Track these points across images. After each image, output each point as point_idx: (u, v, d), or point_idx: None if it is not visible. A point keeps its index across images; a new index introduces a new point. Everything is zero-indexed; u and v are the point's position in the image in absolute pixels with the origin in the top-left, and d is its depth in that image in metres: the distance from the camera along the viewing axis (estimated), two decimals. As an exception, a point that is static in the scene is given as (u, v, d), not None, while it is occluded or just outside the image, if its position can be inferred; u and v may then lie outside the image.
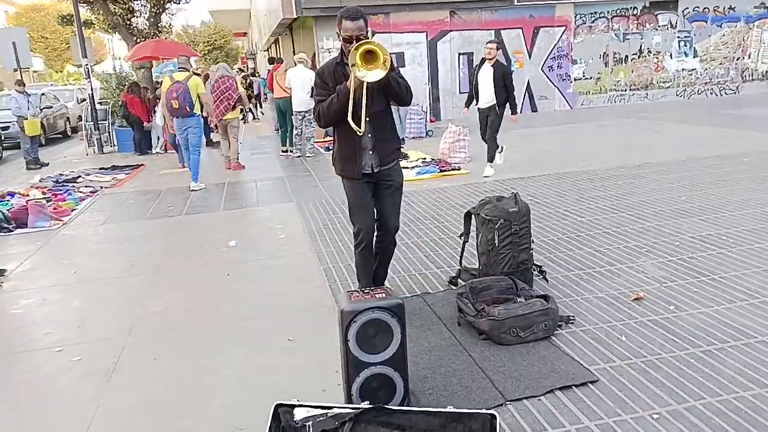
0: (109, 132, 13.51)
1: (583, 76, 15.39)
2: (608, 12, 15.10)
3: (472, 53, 14.60)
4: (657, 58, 15.56)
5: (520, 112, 15.12)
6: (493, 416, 2.28)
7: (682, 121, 11.65)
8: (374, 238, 3.63)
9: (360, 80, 3.16)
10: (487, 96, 7.49)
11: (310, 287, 4.30)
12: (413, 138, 11.74)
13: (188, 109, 7.97)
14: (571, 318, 3.47)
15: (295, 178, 8.55)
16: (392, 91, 3.36)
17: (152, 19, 16.61)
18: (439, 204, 6.48)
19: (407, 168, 8.37)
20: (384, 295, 2.62)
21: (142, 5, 16.58)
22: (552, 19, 14.88)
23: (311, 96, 4.93)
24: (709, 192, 6.11)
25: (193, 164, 8.29)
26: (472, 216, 4.04)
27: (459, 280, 4.07)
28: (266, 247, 5.40)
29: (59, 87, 24.21)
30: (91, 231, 6.48)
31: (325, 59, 11.66)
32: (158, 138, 12.64)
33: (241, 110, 10.93)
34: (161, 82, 10.71)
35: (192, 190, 8.20)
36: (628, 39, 15.35)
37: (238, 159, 9.73)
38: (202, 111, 8.62)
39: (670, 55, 15.58)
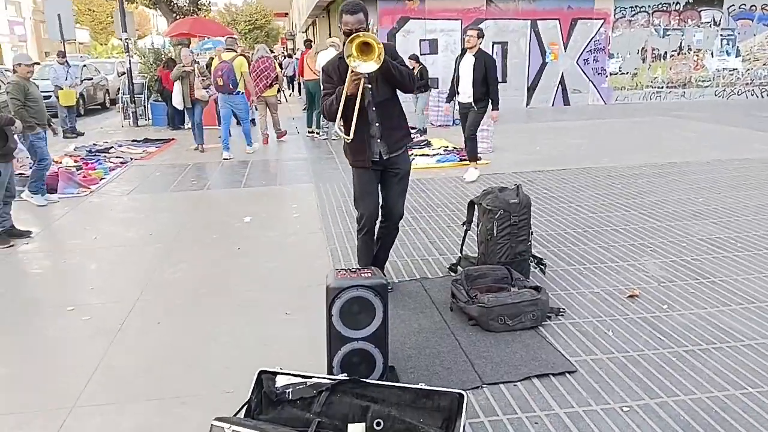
0: (144, 106, 13.87)
1: (620, 71, 15.12)
2: (649, 6, 14.77)
3: (507, 42, 14.50)
4: (697, 55, 15.17)
5: (552, 104, 15.17)
6: (461, 395, 2.38)
7: (717, 121, 11.39)
8: (377, 224, 3.74)
9: (356, 82, 3.28)
10: (467, 89, 6.75)
11: (315, 265, 4.43)
12: (439, 126, 11.76)
13: (231, 87, 8.71)
14: (561, 310, 3.53)
15: (318, 160, 8.70)
16: (394, 78, 3.44)
17: (192, -4, 16.90)
18: (453, 192, 6.54)
19: (428, 155, 8.45)
20: (370, 274, 2.73)
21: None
22: (591, 11, 14.63)
23: None
24: (727, 195, 6.03)
25: (246, 133, 9.59)
26: (475, 205, 4.10)
27: (459, 268, 4.15)
28: (279, 225, 5.56)
29: (100, 60, 24.80)
30: (116, 200, 6.75)
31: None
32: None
33: (278, 89, 11.39)
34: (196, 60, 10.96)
35: (248, 153, 9.46)
36: (669, 35, 14.99)
37: (279, 128, 10.72)
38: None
39: (711, 53, 15.17)
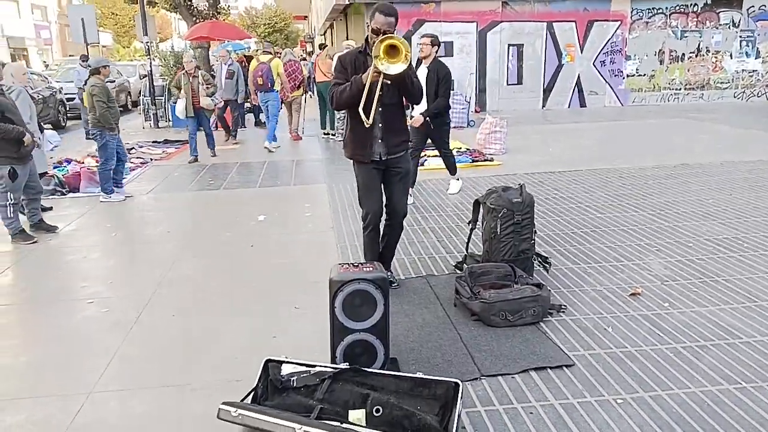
0: (165, 108, 14.15)
1: (637, 72, 15.03)
2: (667, 8, 14.68)
3: (522, 45, 14.51)
4: (716, 57, 15.03)
5: (568, 106, 15.14)
6: (457, 384, 2.47)
7: (733, 123, 11.30)
8: (382, 222, 3.85)
9: (377, 76, 3.36)
10: (422, 105, 5.56)
11: (325, 262, 4.54)
12: (455, 127, 11.79)
13: (270, 85, 10.00)
14: (562, 307, 3.60)
15: (332, 161, 8.84)
16: (406, 88, 3.56)
17: (211, 0, 17.14)
18: (464, 193, 6.62)
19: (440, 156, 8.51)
20: (371, 269, 2.84)
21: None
22: (607, 13, 14.58)
23: None
24: (738, 196, 6.03)
25: (271, 129, 10.12)
26: (480, 204, 4.19)
27: (464, 265, 4.24)
28: (292, 224, 5.70)
29: (122, 63, 25.27)
30: (135, 199, 6.95)
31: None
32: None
33: (305, 90, 12.04)
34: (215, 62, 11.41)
35: (267, 149, 9.90)
36: (686, 36, 14.88)
37: (297, 130, 11.23)
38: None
39: (730, 54, 15.02)
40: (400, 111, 3.74)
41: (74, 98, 14.37)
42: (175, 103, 12.92)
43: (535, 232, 4.06)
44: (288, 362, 2.74)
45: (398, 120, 3.73)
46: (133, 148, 10.31)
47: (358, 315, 2.78)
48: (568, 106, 14.93)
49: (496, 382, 2.86)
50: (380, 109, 3.58)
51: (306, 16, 43.03)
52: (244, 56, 15.54)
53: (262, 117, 13.49)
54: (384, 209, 3.83)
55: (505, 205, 3.90)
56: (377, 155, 3.67)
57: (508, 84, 14.72)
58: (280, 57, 10.96)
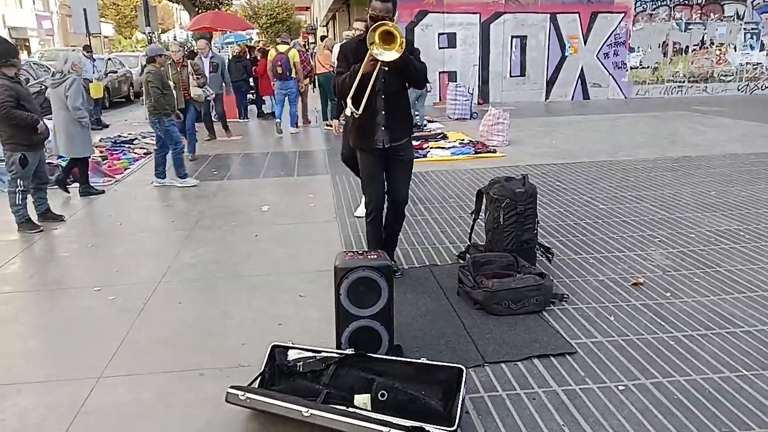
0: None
1: (640, 65, 15.01)
2: (671, 0, 14.63)
3: (525, 36, 14.49)
4: (720, 50, 15.00)
5: (572, 98, 15.11)
6: (461, 369, 2.51)
7: (738, 116, 11.29)
8: (384, 210, 3.89)
9: (373, 63, 3.40)
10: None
11: (328, 251, 4.58)
12: (457, 119, 11.83)
13: (288, 74, 10.45)
14: (565, 296, 3.64)
15: (334, 152, 8.82)
16: (408, 73, 3.59)
17: (214, -9, 17.15)
18: (466, 185, 6.64)
19: (443, 148, 8.54)
20: (376, 256, 2.87)
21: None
22: (611, 5, 14.54)
23: None
24: (740, 188, 6.05)
25: (292, 115, 10.90)
26: (483, 195, 4.22)
27: (467, 255, 4.27)
28: (295, 214, 5.74)
29: (125, 54, 25.23)
30: (139, 189, 6.99)
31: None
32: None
33: (311, 80, 12.54)
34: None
35: (288, 132, 10.70)
36: (690, 29, 14.84)
37: (307, 115, 11.78)
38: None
39: (735, 47, 14.98)
40: (403, 98, 3.77)
41: (77, 89, 14.39)
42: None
43: (538, 222, 4.09)
44: (294, 348, 2.78)
45: (402, 107, 3.77)
46: (136, 138, 10.34)
47: (362, 302, 2.82)
48: (572, 99, 14.92)
49: (500, 369, 2.90)
50: (383, 97, 3.62)
51: (308, 7, 42.93)
52: (247, 47, 15.53)
53: (265, 108, 13.57)
54: (385, 196, 3.87)
55: (508, 195, 3.93)
56: (381, 143, 3.70)
57: (511, 76, 14.71)
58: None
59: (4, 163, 5.56)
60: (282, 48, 10.66)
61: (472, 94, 12.42)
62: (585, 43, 14.69)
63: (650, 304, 3.56)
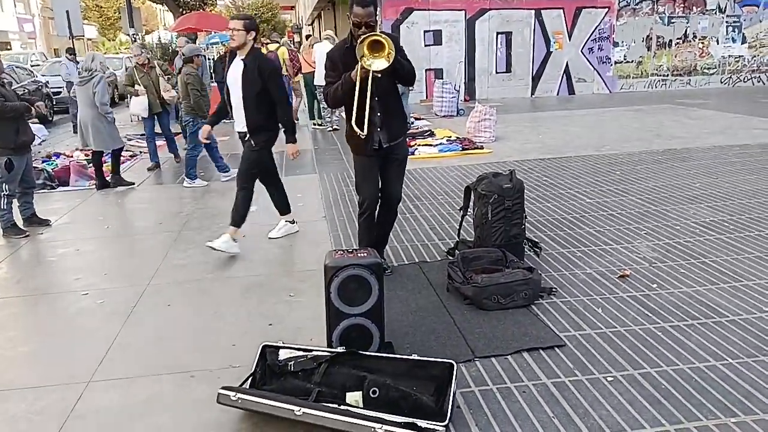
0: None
1: (624, 59, 15.12)
2: (653, -6, 14.75)
3: (511, 33, 14.54)
4: (702, 43, 15.14)
5: (557, 93, 15.21)
6: (452, 365, 2.53)
7: (721, 108, 11.42)
8: (377, 208, 3.89)
9: (365, 74, 3.39)
10: (239, 113, 4.51)
11: (318, 250, 4.58)
12: (444, 116, 11.86)
13: (279, 71, 9.76)
14: (553, 290, 3.67)
15: (322, 151, 8.85)
16: (398, 74, 3.59)
17: (198, -9, 17.05)
18: (454, 181, 6.67)
19: (431, 145, 8.57)
20: (366, 254, 2.88)
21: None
22: (595, 0, 14.62)
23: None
24: (724, 180, 6.12)
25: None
26: (471, 191, 4.24)
27: (456, 251, 4.29)
28: (284, 213, 5.72)
29: (109, 56, 25.02)
30: (126, 192, 6.94)
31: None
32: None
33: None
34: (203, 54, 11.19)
35: None
36: (673, 23, 14.97)
37: (296, 114, 11.41)
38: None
39: (717, 40, 15.13)
40: (396, 96, 3.77)
41: (60, 92, 14.27)
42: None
43: (526, 217, 4.12)
44: (285, 347, 2.79)
45: (396, 106, 3.77)
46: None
47: (353, 300, 2.83)
48: (557, 94, 15.00)
49: (490, 363, 2.92)
50: (377, 98, 3.58)
51: (293, 6, 42.78)
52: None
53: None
54: (378, 194, 3.87)
55: (496, 191, 3.95)
56: (377, 143, 3.70)
57: (497, 72, 14.77)
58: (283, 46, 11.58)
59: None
60: (272, 47, 11.13)
61: (458, 90, 12.46)
62: (569, 39, 14.77)
63: (637, 295, 3.60)
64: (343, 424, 2.27)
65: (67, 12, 13.80)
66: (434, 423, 2.32)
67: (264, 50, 10.82)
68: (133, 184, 7.16)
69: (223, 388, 2.53)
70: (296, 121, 11.71)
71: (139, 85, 7.79)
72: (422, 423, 2.31)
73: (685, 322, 3.25)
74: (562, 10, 14.56)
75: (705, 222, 4.86)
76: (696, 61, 15.27)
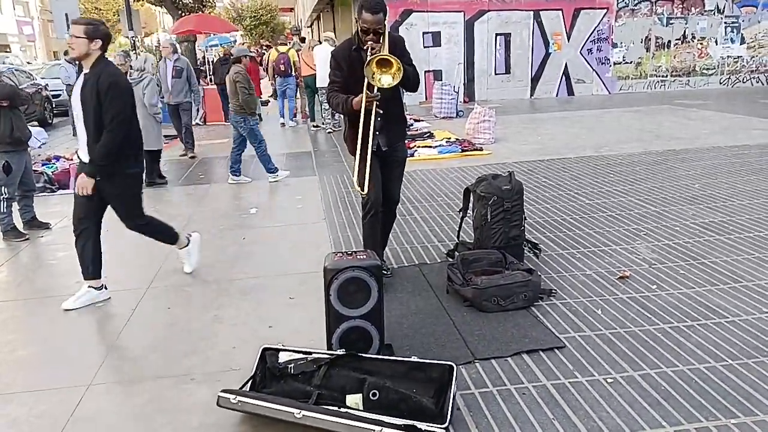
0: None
1: (623, 60, 15.13)
2: (652, -5, 14.78)
3: (509, 34, 14.56)
4: (701, 43, 15.16)
5: (556, 94, 15.24)
6: (452, 367, 2.53)
7: (720, 109, 11.43)
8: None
9: (371, 98, 3.38)
10: (81, 137, 3.75)
11: (317, 253, 4.57)
12: (443, 118, 11.87)
13: (288, 71, 11.49)
14: (553, 291, 3.67)
15: (321, 153, 8.86)
16: (404, 82, 3.47)
17: (197, -6, 17.07)
18: (454, 183, 6.67)
19: (430, 147, 8.57)
20: (365, 256, 2.88)
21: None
22: (593, 1, 14.65)
23: None
24: (723, 181, 6.13)
25: (290, 109, 11.99)
26: (470, 192, 4.24)
27: (455, 253, 4.29)
28: (284, 215, 5.74)
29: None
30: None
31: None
32: (198, 110, 13.11)
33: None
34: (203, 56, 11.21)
35: (287, 125, 11.76)
36: (672, 23, 14.99)
37: (306, 110, 12.39)
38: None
39: (716, 41, 15.15)
40: (398, 101, 3.75)
41: (60, 95, 14.29)
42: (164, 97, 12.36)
43: (525, 218, 4.12)
44: (285, 350, 2.79)
45: (397, 110, 3.75)
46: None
47: (353, 302, 2.82)
48: (556, 95, 15.02)
49: (490, 365, 2.92)
50: (377, 102, 3.51)
51: (292, 8, 42.81)
52: (231, 47, 15.46)
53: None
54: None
55: (495, 192, 3.96)
56: (375, 146, 3.65)
57: (496, 73, 14.78)
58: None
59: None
60: (282, 49, 11.73)
61: (457, 92, 12.47)
62: (568, 40, 14.79)
63: (637, 296, 3.60)
64: (343, 427, 2.27)
65: (66, 14, 13.77)
66: (434, 425, 2.32)
67: (274, 52, 11.71)
68: (166, 182, 7.46)
69: (223, 391, 2.54)
70: (306, 117, 12.29)
71: None
72: (422, 425, 2.31)
73: (685, 323, 3.25)
74: (560, 11, 14.58)
75: (704, 223, 4.87)
76: (695, 61, 15.28)
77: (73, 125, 11.78)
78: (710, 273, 3.89)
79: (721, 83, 15.41)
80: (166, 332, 3.47)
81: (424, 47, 14.18)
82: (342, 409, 2.46)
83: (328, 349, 2.85)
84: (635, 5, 14.80)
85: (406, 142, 4.09)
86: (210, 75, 15.43)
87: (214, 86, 13.00)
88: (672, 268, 4.01)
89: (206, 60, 16.68)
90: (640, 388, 2.68)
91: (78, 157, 3.88)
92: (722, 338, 3.08)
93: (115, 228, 5.57)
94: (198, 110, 13.07)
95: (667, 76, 15.35)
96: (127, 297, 3.97)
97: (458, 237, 4.45)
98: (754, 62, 15.39)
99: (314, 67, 10.71)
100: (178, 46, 10.61)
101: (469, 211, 4.30)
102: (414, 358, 2.63)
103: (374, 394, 2.52)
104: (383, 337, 2.90)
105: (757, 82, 15.48)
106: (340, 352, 2.72)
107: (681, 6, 14.88)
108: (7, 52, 33.33)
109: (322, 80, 10.40)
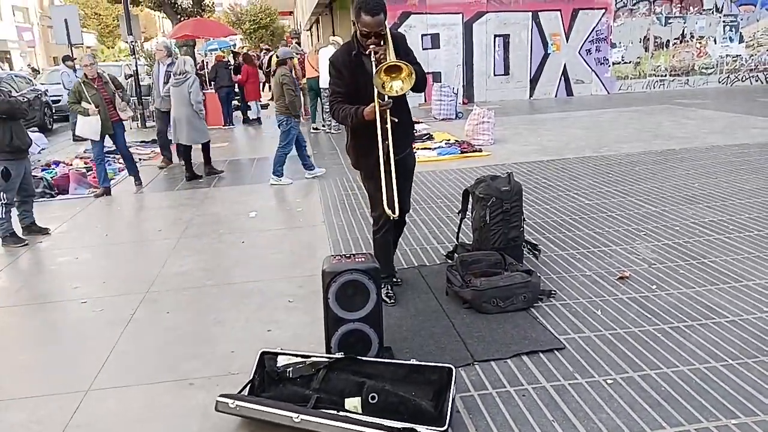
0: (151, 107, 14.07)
1: (622, 60, 15.12)
2: (650, -5, 14.77)
3: (508, 35, 14.55)
4: (700, 43, 15.15)
5: (555, 95, 15.24)
6: (450, 369, 2.52)
7: (719, 108, 11.42)
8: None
9: (384, 105, 3.17)
10: None
11: (317, 256, 4.57)
12: (443, 120, 11.87)
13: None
14: (552, 292, 3.66)
15: (321, 156, 8.85)
16: (415, 84, 3.25)
17: (196, -2, 17.09)
18: (453, 184, 6.66)
19: (429, 149, 8.57)
20: (363, 259, 2.87)
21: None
22: (591, 1, 14.64)
23: None
24: (723, 180, 6.12)
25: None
26: (469, 194, 4.23)
27: (455, 255, 4.28)
28: (283, 219, 5.74)
29: (108, 63, 25.07)
30: (125, 199, 6.95)
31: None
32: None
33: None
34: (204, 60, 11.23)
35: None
36: (671, 23, 14.98)
37: (307, 108, 12.26)
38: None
39: (714, 40, 15.14)
40: (404, 104, 3.50)
41: (60, 100, 14.29)
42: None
43: (524, 219, 4.12)
44: (283, 353, 2.78)
45: (405, 115, 3.51)
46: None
47: (351, 305, 2.82)
48: (555, 96, 15.01)
49: (489, 367, 2.91)
50: (384, 125, 3.26)
51: (291, 12, 42.86)
52: (232, 52, 15.50)
53: (251, 114, 13.60)
54: None
55: (494, 193, 3.95)
56: (386, 156, 3.29)
57: (495, 75, 14.77)
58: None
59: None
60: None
61: (456, 93, 12.46)
62: (567, 40, 14.78)
63: (637, 297, 3.59)
64: (342, 431, 2.26)
65: (66, 20, 13.82)
66: (433, 428, 2.31)
67: (275, 58, 11.64)
68: (223, 171, 7.95)
69: (222, 395, 2.53)
70: (307, 116, 12.30)
71: (89, 103, 6.76)
72: (421, 428, 2.30)
73: (685, 323, 3.24)
74: (559, 12, 14.57)
75: (704, 222, 4.86)
76: (694, 61, 15.27)
77: (72, 130, 11.76)
78: (710, 272, 3.88)
79: (720, 82, 15.40)
80: (165, 337, 3.46)
81: (423, 49, 14.17)
82: (341, 413, 2.46)
83: (326, 353, 2.84)
84: (634, 5, 14.79)
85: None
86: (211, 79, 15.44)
87: (214, 91, 13.01)
88: (672, 268, 4.00)
89: (205, 64, 16.71)
90: (640, 389, 2.67)
91: None
92: (722, 338, 3.07)
93: (114, 232, 5.61)
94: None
95: (666, 75, 15.34)
96: (127, 301, 3.96)
97: (457, 239, 4.44)
98: (753, 61, 15.37)
99: (318, 70, 10.75)
100: (175, 50, 10.43)
101: (468, 213, 4.29)
102: (413, 361, 2.63)
103: (373, 398, 2.51)
104: (382, 340, 2.90)
105: (756, 81, 15.47)
106: (339, 355, 2.71)
107: (679, 5, 14.87)
108: (7, 58, 33.39)
109: (326, 81, 10.47)
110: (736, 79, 15.43)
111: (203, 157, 7.90)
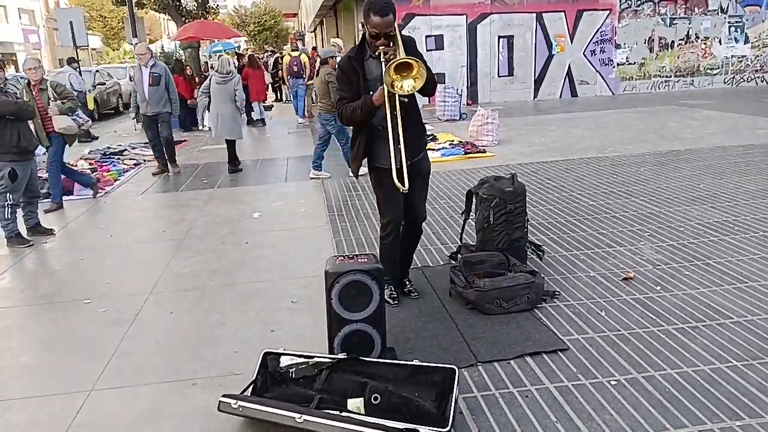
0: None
1: (627, 61, 15.10)
2: (655, -4, 14.75)
3: (512, 36, 14.55)
4: (705, 43, 15.11)
5: (560, 96, 15.21)
6: (454, 370, 2.52)
7: (724, 109, 11.37)
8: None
9: (391, 97, 3.09)
10: None
11: (320, 257, 4.56)
12: (447, 120, 11.87)
13: (301, 72, 12.83)
14: (556, 293, 3.65)
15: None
16: (424, 89, 3.20)
17: (200, 0, 17.11)
18: (457, 185, 6.66)
19: (433, 150, 8.55)
20: (366, 260, 2.87)
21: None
22: (596, 2, 14.63)
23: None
24: (728, 180, 6.09)
25: (300, 107, 13.33)
26: (473, 195, 4.23)
27: (458, 255, 4.28)
28: (287, 220, 5.73)
29: (113, 65, 25.17)
30: (129, 200, 6.97)
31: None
32: (203, 117, 13.14)
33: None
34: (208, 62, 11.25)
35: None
36: (675, 24, 14.95)
37: (312, 111, 13.32)
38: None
39: (719, 40, 15.10)
40: (416, 109, 3.41)
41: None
42: None
43: (528, 220, 4.11)
44: (286, 354, 2.78)
45: (416, 120, 3.42)
46: (126, 149, 10.31)
47: (354, 306, 2.81)
48: (560, 97, 14.99)
49: (492, 368, 2.91)
50: (395, 112, 3.20)
51: (295, 14, 42.91)
52: (236, 54, 15.53)
53: (254, 115, 13.62)
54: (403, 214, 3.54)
55: (498, 194, 3.94)
56: (399, 163, 3.23)
57: (499, 76, 14.78)
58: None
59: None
60: (294, 53, 13.27)
61: (460, 95, 12.46)
62: (571, 41, 14.77)
63: (641, 298, 3.58)
64: (344, 431, 2.26)
65: (71, 23, 13.90)
66: (436, 429, 2.30)
67: (287, 57, 13.21)
68: (241, 170, 8.30)
69: (225, 396, 2.53)
70: (311, 118, 12.97)
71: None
72: (424, 429, 2.29)
73: (690, 325, 3.22)
74: (563, 13, 14.57)
75: (709, 223, 4.83)
76: (699, 61, 15.23)
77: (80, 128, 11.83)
78: (715, 273, 3.86)
79: (725, 83, 15.35)
80: (168, 337, 3.47)
81: (427, 50, 14.17)
82: (343, 414, 2.45)
83: (329, 353, 2.84)
84: (638, 6, 14.77)
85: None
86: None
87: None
88: (676, 268, 3.98)
89: (210, 67, 16.75)
90: (644, 391, 2.66)
91: None
92: (727, 339, 3.05)
93: (118, 233, 5.62)
94: (203, 117, 13.09)
95: (671, 76, 15.30)
96: (131, 302, 3.97)
97: (461, 239, 4.43)
98: (758, 61, 15.32)
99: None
100: (153, 50, 9.79)
101: (471, 214, 4.28)
102: (416, 362, 2.62)
103: (376, 398, 2.50)
104: (385, 341, 2.89)
105: (762, 82, 15.42)
106: (342, 356, 2.71)
107: (684, 6, 14.83)
108: (13, 61, 33.50)
109: None
110: (741, 80, 15.38)
111: (228, 154, 8.24)
